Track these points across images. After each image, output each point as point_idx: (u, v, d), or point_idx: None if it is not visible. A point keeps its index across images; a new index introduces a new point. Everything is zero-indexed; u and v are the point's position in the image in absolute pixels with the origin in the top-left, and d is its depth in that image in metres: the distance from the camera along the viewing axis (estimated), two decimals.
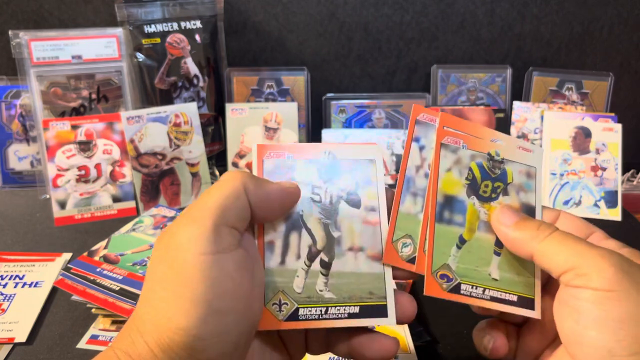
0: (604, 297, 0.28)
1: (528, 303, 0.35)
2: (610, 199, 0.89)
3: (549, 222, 0.34)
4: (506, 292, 0.35)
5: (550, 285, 0.36)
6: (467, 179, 0.36)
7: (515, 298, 0.35)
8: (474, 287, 0.34)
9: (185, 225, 0.29)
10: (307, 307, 0.33)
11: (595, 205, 0.89)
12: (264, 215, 0.32)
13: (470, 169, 0.36)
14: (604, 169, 0.91)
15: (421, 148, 0.36)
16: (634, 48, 1.04)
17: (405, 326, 0.57)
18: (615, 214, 0.88)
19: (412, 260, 0.34)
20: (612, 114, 0.94)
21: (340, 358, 0.34)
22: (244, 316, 0.29)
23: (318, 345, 0.36)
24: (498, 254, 0.35)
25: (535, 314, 0.35)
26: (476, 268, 0.35)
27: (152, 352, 0.27)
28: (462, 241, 0.35)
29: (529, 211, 0.36)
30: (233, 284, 0.28)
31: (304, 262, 0.34)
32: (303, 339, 0.36)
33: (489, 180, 0.36)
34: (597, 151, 0.91)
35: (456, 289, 0.34)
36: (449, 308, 0.61)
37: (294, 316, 0.32)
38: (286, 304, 0.33)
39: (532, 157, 0.37)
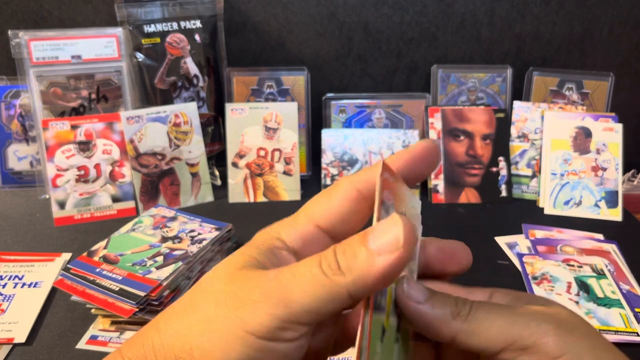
0: None
1: None
2: (610, 199, 0.89)
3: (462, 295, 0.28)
4: None
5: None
6: None
7: None
8: None
9: (265, 301, 0.25)
10: None
11: (596, 205, 0.89)
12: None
13: None
14: (604, 169, 0.91)
15: None
16: (634, 48, 1.04)
17: None
18: (615, 214, 0.88)
19: None
20: (613, 114, 0.94)
21: None
22: None
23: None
24: (398, 341, 0.27)
25: None
26: None
27: None
28: (382, 331, 0.26)
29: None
30: None
31: None
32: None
33: None
34: (598, 151, 0.91)
35: None
36: None
37: None
38: None
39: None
